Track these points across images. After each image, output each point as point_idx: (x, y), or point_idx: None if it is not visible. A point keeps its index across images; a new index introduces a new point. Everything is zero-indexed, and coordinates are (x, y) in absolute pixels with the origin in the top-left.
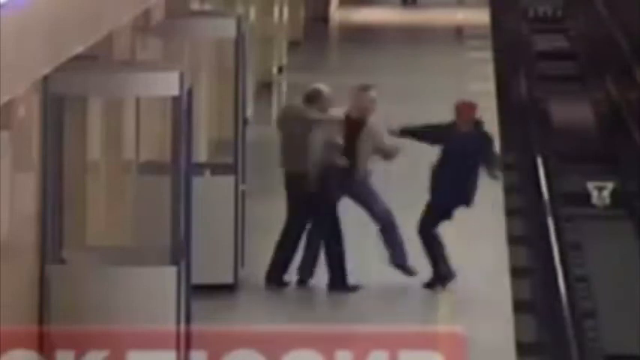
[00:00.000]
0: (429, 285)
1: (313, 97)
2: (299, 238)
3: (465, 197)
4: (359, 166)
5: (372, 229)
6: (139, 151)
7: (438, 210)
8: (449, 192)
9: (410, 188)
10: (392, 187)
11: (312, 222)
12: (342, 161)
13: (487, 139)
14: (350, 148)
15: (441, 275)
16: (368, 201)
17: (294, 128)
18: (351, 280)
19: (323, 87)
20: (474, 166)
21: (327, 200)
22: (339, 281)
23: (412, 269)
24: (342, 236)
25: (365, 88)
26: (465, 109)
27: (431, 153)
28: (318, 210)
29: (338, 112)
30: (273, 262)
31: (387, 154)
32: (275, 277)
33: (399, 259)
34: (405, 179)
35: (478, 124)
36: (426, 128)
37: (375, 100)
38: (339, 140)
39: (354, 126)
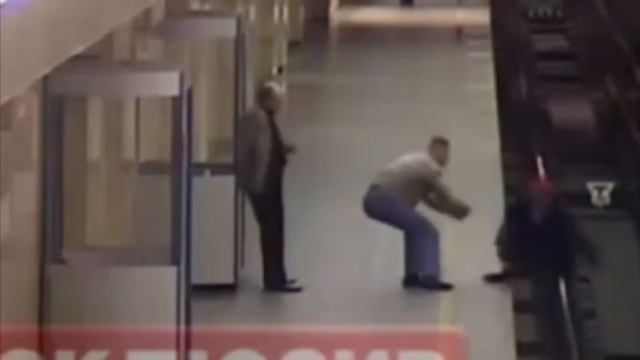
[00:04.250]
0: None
1: (263, 95)
2: (279, 235)
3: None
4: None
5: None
6: (139, 151)
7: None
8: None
9: None
10: None
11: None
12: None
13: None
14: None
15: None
16: (393, 217)
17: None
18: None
19: (275, 85)
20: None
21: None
22: (278, 281)
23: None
24: (283, 237)
25: (440, 142)
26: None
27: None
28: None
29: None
30: (264, 266)
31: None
32: (272, 281)
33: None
34: None
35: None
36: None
37: (448, 154)
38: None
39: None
